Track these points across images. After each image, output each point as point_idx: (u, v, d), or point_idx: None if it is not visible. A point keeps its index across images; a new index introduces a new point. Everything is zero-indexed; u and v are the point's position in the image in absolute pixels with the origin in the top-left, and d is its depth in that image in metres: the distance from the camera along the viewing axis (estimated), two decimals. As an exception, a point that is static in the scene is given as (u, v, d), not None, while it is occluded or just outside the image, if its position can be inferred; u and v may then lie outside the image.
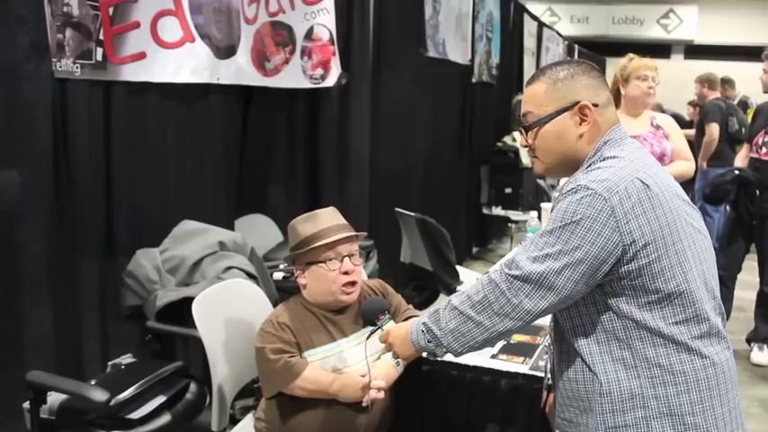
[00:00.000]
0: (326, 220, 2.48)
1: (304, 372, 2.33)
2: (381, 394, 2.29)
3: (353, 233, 2.50)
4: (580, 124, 1.78)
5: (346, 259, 2.44)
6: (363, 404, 2.28)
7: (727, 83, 8.27)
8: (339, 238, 2.43)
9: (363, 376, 2.29)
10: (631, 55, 4.14)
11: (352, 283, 2.45)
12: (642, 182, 1.66)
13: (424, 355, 1.95)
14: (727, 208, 5.32)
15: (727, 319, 1.87)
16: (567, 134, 1.79)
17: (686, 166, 4.06)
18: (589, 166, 1.76)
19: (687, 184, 4.18)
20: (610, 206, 1.62)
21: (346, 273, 2.43)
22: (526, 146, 1.88)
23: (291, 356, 2.35)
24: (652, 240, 1.64)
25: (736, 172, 4.86)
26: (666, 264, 1.65)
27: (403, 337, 1.93)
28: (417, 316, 2.25)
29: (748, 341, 5.08)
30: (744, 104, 9.03)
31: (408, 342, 1.89)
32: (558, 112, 1.79)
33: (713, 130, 7.09)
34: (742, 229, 4.93)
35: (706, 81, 7.61)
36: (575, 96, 1.78)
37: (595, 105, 1.78)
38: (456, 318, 1.77)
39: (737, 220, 4.94)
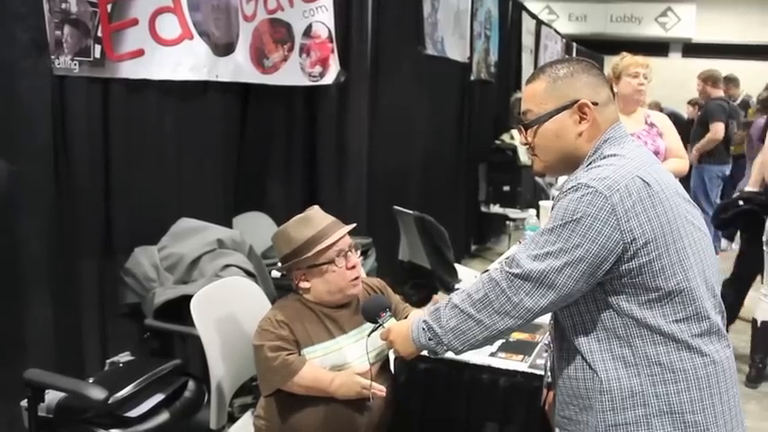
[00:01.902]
0: (321, 221, 2.46)
1: (302, 370, 2.32)
2: (383, 391, 2.29)
3: (348, 227, 2.49)
4: (579, 122, 1.78)
5: (348, 253, 2.44)
6: (370, 399, 2.28)
7: (731, 81, 8.28)
8: (342, 235, 2.43)
9: (362, 374, 2.29)
10: (624, 53, 4.17)
11: (358, 276, 2.46)
12: (643, 180, 1.67)
13: (425, 352, 1.95)
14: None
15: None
16: (567, 132, 1.79)
17: (680, 163, 4.10)
18: (589, 164, 1.76)
19: (683, 182, 4.21)
20: (610, 204, 1.62)
21: (353, 267, 2.44)
22: (525, 143, 1.89)
23: (289, 354, 2.34)
24: (653, 238, 1.64)
25: (741, 203, 4.77)
26: (667, 262, 1.65)
27: (404, 334, 1.93)
28: (417, 314, 2.25)
29: None
30: (745, 104, 9.04)
31: (409, 340, 1.89)
32: (558, 111, 1.79)
33: (719, 128, 7.10)
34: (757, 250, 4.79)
35: (709, 78, 7.58)
36: (574, 95, 1.78)
37: (595, 104, 1.78)
38: (457, 316, 1.77)
39: (752, 242, 4.80)
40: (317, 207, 2.55)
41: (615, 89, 4.05)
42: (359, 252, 2.52)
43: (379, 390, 2.28)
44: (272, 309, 2.52)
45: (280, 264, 2.54)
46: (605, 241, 1.63)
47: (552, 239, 1.67)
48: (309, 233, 2.42)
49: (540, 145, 1.84)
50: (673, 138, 4.15)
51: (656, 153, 3.95)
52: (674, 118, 7.71)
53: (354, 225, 2.56)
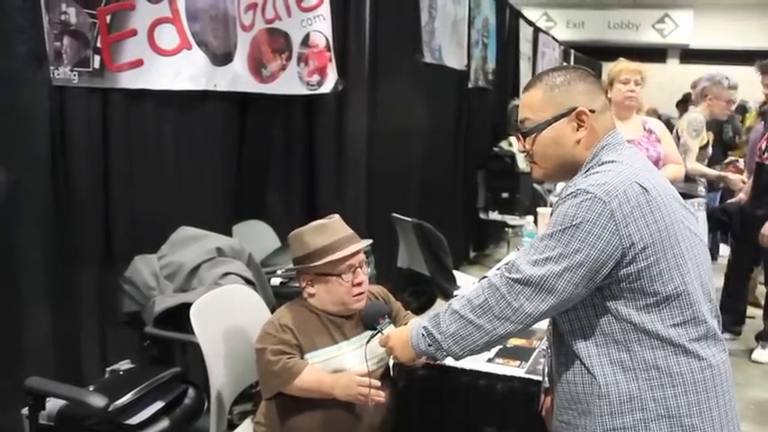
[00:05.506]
0: (337, 232, 2.46)
1: (302, 373, 2.33)
2: (382, 396, 2.29)
3: (363, 243, 2.49)
4: (577, 130, 1.80)
5: (358, 270, 2.44)
6: (370, 403, 2.28)
7: None
8: (356, 251, 2.43)
9: (364, 376, 2.29)
10: (620, 59, 4.21)
11: (363, 292, 2.46)
12: (641, 185, 1.68)
13: (423, 359, 1.96)
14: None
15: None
16: (565, 140, 1.81)
17: (677, 169, 4.14)
18: (588, 170, 1.78)
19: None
20: (609, 209, 1.64)
21: (359, 283, 2.44)
22: (524, 151, 1.90)
23: (290, 357, 2.35)
24: (651, 243, 1.65)
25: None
26: (665, 266, 1.67)
27: (403, 340, 1.93)
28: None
29: (757, 338, 5.15)
30: (743, 109, 9.04)
31: (408, 346, 1.90)
32: (556, 119, 1.80)
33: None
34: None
35: None
36: (572, 102, 1.80)
37: (592, 111, 1.79)
38: (456, 321, 1.78)
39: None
40: (337, 216, 2.55)
41: (609, 95, 4.08)
42: (369, 267, 2.52)
43: (377, 395, 2.27)
44: (276, 312, 2.53)
45: (292, 263, 2.55)
46: (604, 246, 1.64)
47: (552, 245, 1.69)
48: (322, 242, 2.42)
49: (538, 152, 1.85)
50: (669, 144, 4.22)
51: (657, 159, 3.99)
52: (670, 123, 7.73)
53: (371, 241, 2.56)
